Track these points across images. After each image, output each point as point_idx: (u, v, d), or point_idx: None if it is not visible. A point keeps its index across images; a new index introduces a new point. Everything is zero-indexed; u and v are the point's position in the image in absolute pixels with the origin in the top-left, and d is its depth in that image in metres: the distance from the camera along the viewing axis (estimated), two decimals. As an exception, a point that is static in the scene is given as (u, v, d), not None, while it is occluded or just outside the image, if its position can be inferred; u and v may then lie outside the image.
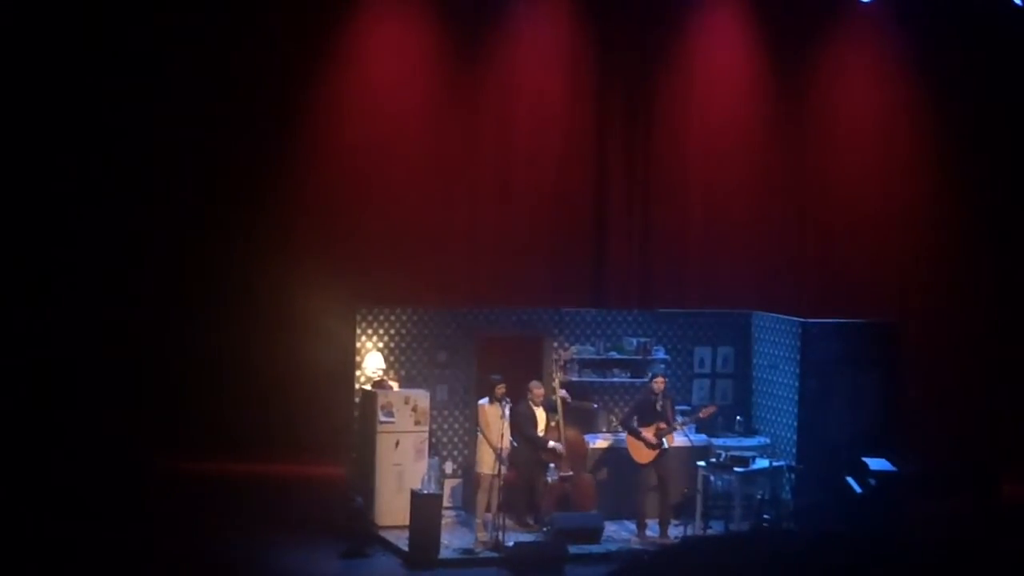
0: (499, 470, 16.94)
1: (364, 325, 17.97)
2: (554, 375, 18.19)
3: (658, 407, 17.63)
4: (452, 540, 16.87)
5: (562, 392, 17.87)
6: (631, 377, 18.81)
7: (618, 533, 17.57)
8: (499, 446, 16.98)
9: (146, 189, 19.34)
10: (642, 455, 17.64)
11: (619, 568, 6.07)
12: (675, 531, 17.56)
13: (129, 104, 19.22)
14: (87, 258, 19.23)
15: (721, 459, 17.82)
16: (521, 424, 17.35)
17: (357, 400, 17.81)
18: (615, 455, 18.17)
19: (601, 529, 17.23)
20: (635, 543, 17.24)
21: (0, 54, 18.87)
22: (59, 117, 19.08)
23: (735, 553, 6.22)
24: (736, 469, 17.66)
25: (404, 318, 18.16)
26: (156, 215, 19.43)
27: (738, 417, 18.89)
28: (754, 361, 19.18)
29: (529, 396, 17.50)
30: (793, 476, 17.94)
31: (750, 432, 18.89)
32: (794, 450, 18.21)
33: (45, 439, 18.51)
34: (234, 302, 19.42)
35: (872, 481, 17.53)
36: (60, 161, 19.09)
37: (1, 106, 18.90)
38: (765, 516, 17.46)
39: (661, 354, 18.94)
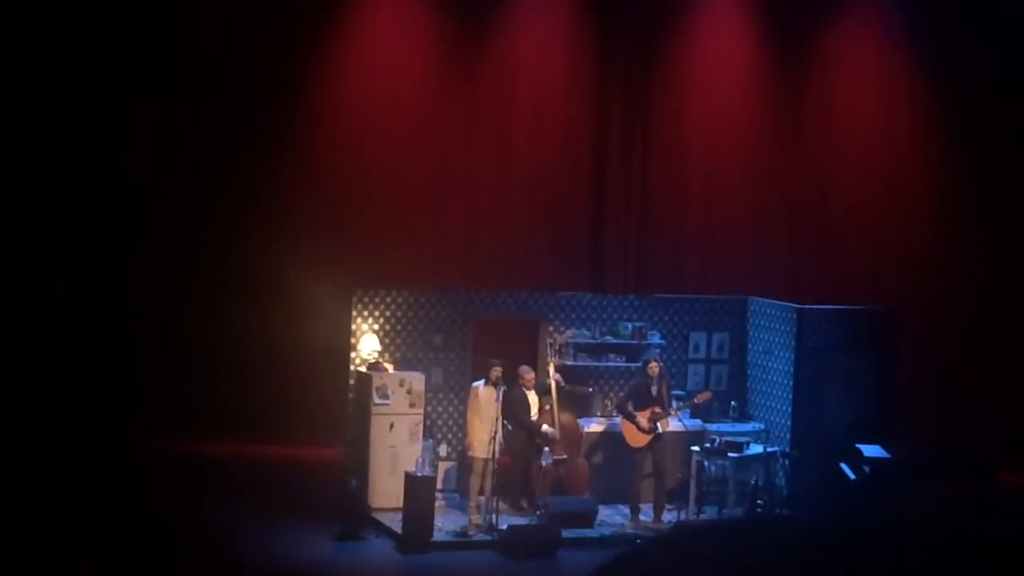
0: (493, 453, 16.93)
1: (360, 307, 17.90)
2: (548, 359, 18.16)
3: (653, 391, 17.62)
4: (446, 523, 16.85)
5: (555, 376, 17.85)
6: (626, 362, 18.77)
7: (612, 517, 17.55)
8: (492, 429, 16.96)
9: (144, 171, 19.33)
10: (636, 439, 17.62)
11: (613, 558, 6.02)
12: (669, 516, 17.55)
13: (126, 86, 19.22)
14: (85, 240, 19.23)
15: (715, 444, 17.81)
16: (515, 409, 17.33)
17: (352, 382, 17.78)
18: (610, 439, 18.16)
19: (595, 513, 17.24)
20: (629, 528, 17.24)
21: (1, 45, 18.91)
22: (58, 96, 19.09)
23: (730, 540, 6.16)
24: (730, 454, 17.65)
25: (400, 300, 18.08)
26: (154, 197, 19.43)
27: (733, 403, 18.87)
28: (750, 347, 19.15)
29: (521, 381, 17.49)
30: (787, 462, 17.94)
31: (745, 418, 18.87)
32: (789, 436, 18.16)
33: (41, 420, 18.53)
34: (231, 283, 19.45)
35: (866, 468, 17.53)
36: (58, 143, 19.10)
37: (1, 98, 18.94)
38: (759, 502, 17.46)
39: (657, 339, 18.90)
